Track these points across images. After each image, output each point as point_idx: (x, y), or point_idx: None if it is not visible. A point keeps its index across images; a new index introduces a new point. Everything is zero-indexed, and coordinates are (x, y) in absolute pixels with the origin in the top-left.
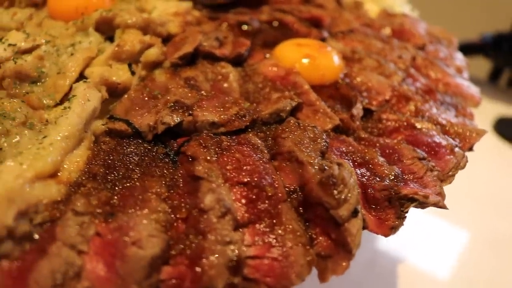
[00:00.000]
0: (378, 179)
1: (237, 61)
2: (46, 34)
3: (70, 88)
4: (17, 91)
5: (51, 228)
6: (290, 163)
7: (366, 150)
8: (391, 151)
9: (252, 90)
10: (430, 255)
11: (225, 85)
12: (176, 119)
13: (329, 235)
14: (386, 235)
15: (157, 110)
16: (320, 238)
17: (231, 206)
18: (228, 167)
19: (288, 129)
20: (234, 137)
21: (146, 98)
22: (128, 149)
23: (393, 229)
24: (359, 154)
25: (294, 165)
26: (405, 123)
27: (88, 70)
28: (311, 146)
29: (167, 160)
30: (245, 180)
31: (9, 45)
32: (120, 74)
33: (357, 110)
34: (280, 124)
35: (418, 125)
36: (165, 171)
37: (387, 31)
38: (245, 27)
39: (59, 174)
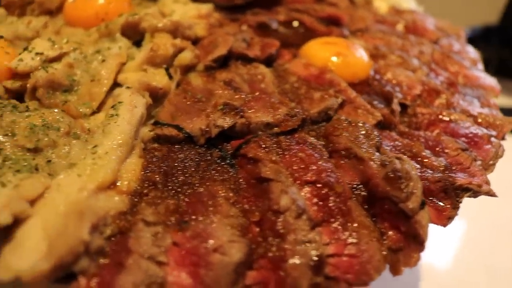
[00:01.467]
0: (429, 171)
1: (268, 62)
2: (72, 42)
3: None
4: (51, 101)
5: (122, 240)
6: (348, 160)
7: (412, 144)
8: (433, 143)
9: (289, 90)
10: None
11: (262, 85)
12: (230, 121)
13: (398, 229)
14: (444, 226)
15: (207, 114)
16: (390, 232)
17: (305, 206)
18: (294, 167)
19: (340, 127)
20: (289, 137)
21: (189, 102)
22: (182, 155)
23: (449, 219)
24: (407, 148)
25: (353, 162)
26: (440, 116)
27: (121, 76)
28: (367, 142)
29: (223, 163)
30: (313, 179)
31: (37, 53)
32: (158, 79)
33: (396, 105)
34: (328, 122)
35: (452, 117)
36: (225, 175)
37: (400, 27)
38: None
39: (118, 184)
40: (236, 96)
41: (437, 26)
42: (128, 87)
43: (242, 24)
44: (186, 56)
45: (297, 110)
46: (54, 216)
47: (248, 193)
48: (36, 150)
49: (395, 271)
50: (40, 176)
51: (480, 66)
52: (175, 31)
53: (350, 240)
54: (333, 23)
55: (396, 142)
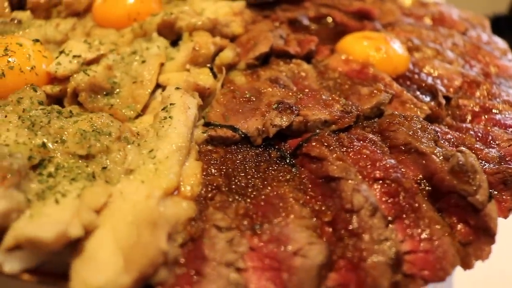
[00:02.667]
0: (485, 163)
1: (307, 58)
2: (108, 43)
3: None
4: (94, 105)
5: (195, 248)
6: (408, 155)
7: (464, 137)
8: (482, 135)
9: (332, 86)
10: None
11: (306, 82)
12: (287, 120)
13: (467, 222)
14: (505, 217)
15: (262, 113)
16: (459, 226)
17: (377, 203)
18: (360, 164)
19: (395, 122)
20: (348, 134)
21: (239, 102)
22: (240, 156)
23: (510, 211)
24: (459, 141)
25: (413, 156)
26: (484, 107)
27: (162, 77)
28: (425, 136)
29: (283, 163)
30: (381, 175)
31: (74, 56)
32: (204, 78)
33: (441, 98)
34: (379, 118)
35: (497, 108)
36: (287, 175)
37: (427, 20)
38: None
39: (182, 189)
40: (289, 94)
41: (462, 17)
42: (177, 88)
43: (273, 21)
44: (228, 55)
45: (352, 106)
46: (124, 226)
47: (315, 193)
48: (88, 157)
49: (466, 265)
50: (101, 184)
51: (510, 56)
52: (213, 29)
53: (423, 236)
54: (363, 18)
55: (448, 136)
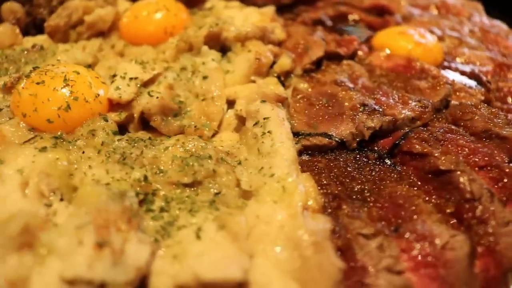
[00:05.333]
0: None
1: (352, 57)
2: (160, 61)
3: None
4: (170, 128)
5: (348, 260)
6: (490, 140)
7: None
8: None
9: (387, 83)
10: None
11: (361, 82)
12: (378, 121)
13: None
14: None
15: (349, 117)
16: None
17: (491, 189)
18: (464, 154)
19: (468, 111)
20: (436, 128)
21: (318, 108)
22: (342, 162)
23: None
24: None
25: (495, 142)
26: None
27: (228, 90)
28: (500, 121)
29: (382, 163)
30: (483, 163)
31: (131, 79)
32: (274, 88)
33: (488, 83)
34: (446, 109)
35: None
36: (394, 174)
37: (433, 9)
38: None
39: (309, 203)
40: (366, 95)
41: (461, 3)
42: (263, 101)
43: (300, 23)
44: (286, 62)
45: (427, 101)
46: (279, 251)
47: (428, 188)
48: (193, 184)
49: None
50: (235, 211)
51: None
52: (263, 37)
53: None
54: (381, 13)
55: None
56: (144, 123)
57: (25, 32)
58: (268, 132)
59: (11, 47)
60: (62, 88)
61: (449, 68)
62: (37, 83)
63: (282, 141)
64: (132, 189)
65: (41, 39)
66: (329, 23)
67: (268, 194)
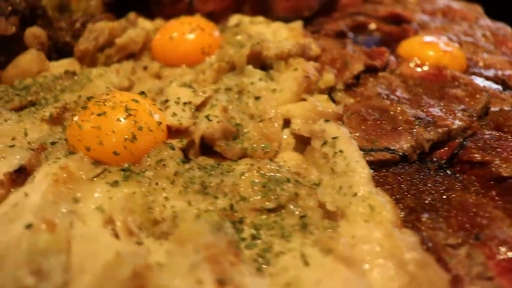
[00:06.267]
0: None
1: (383, 69)
2: (208, 83)
3: None
4: (234, 151)
5: None
6: None
7: None
8: None
9: (423, 93)
10: None
11: (398, 93)
12: (435, 133)
13: None
14: None
15: (406, 130)
16: None
17: None
18: None
19: (510, 116)
20: (488, 135)
21: (372, 123)
22: (407, 176)
23: None
24: None
25: None
26: None
27: (281, 109)
28: None
29: (443, 173)
30: None
31: (185, 103)
32: (327, 105)
33: None
34: (486, 116)
35: None
36: (457, 183)
37: (439, 14)
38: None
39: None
40: (415, 107)
41: (464, 7)
42: (327, 121)
43: (323, 36)
44: (331, 78)
45: (471, 110)
46: (387, 270)
47: (491, 194)
48: (277, 209)
49: None
50: (330, 233)
51: None
52: (303, 53)
53: None
54: (397, 21)
55: None
56: (202, 148)
57: (47, 57)
58: (340, 151)
59: (39, 74)
60: (125, 118)
61: (474, 73)
62: (98, 115)
63: (357, 160)
64: (221, 219)
65: (65, 63)
66: (350, 34)
67: (356, 214)
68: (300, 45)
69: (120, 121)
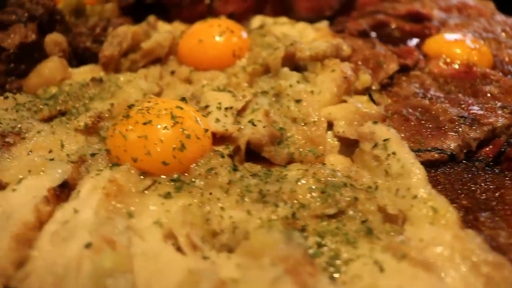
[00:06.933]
0: None
1: (414, 68)
2: (246, 87)
3: None
4: (282, 156)
5: None
6: None
7: None
8: None
9: (455, 90)
10: None
11: (432, 92)
12: (481, 132)
13: None
14: None
15: (452, 129)
16: None
17: None
18: None
19: None
20: None
21: (416, 123)
22: (457, 175)
23: None
24: None
25: None
26: None
27: (324, 111)
28: None
29: (490, 171)
30: None
31: (226, 109)
32: (368, 106)
33: None
34: None
35: None
36: (507, 180)
37: (454, 11)
38: None
39: None
40: (456, 106)
41: (477, 3)
42: (375, 122)
43: (347, 35)
44: (367, 78)
45: (510, 106)
46: (461, 272)
47: None
48: (336, 215)
49: None
50: (396, 237)
51: None
52: (336, 54)
53: None
54: (416, 19)
55: None
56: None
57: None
58: (393, 153)
59: (63, 82)
60: (172, 126)
61: (502, 70)
62: (144, 124)
63: (412, 162)
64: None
65: (87, 70)
66: (373, 33)
67: (420, 217)
68: (334, 45)
69: (168, 129)
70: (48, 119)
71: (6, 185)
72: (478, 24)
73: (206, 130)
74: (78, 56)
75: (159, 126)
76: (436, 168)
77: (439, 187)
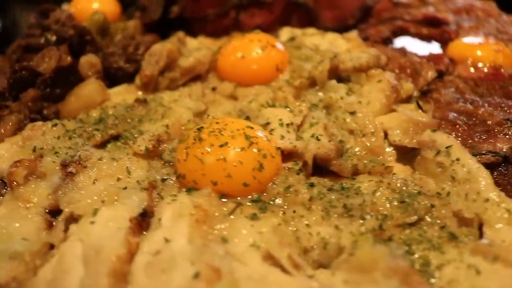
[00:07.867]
0: None
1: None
2: (301, 102)
3: None
4: (348, 169)
5: None
6: None
7: None
8: None
9: (486, 93)
10: None
11: (467, 96)
12: None
13: None
14: None
15: (501, 132)
16: None
17: None
18: None
19: None
20: None
21: (464, 128)
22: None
23: None
24: None
25: None
26: None
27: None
28: None
29: None
30: None
31: (287, 125)
32: (417, 114)
33: None
34: None
35: None
36: None
37: (463, 12)
38: None
39: None
40: (499, 109)
41: (480, 3)
42: (434, 130)
43: (373, 43)
44: (410, 87)
45: None
46: None
47: None
48: (416, 223)
49: None
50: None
51: None
52: (375, 64)
53: None
54: (432, 23)
55: None
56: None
57: None
58: (457, 159)
59: (103, 104)
60: (248, 147)
61: None
62: (221, 146)
63: (477, 166)
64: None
65: (122, 90)
66: (396, 41)
67: (496, 219)
68: (376, 56)
69: (245, 150)
70: (101, 144)
71: (79, 217)
72: (490, 25)
73: (278, 148)
74: (110, 76)
75: (236, 148)
76: (492, 170)
77: (499, 188)
